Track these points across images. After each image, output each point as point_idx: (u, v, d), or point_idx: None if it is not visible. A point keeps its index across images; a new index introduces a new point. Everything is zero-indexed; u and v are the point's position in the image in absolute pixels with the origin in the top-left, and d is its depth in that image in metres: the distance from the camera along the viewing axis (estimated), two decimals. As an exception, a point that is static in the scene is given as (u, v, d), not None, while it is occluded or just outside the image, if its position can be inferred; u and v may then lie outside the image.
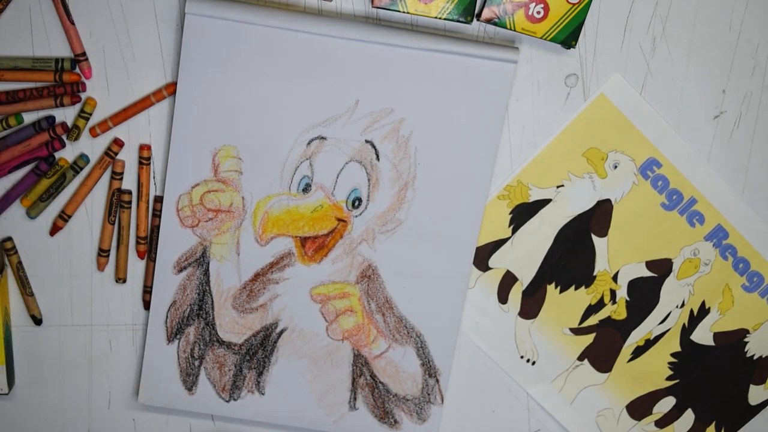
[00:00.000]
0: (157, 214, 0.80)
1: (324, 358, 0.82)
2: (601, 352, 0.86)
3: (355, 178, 0.79)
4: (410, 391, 0.83)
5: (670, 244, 0.84)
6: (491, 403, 0.86)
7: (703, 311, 0.86)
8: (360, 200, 0.79)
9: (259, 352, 0.82)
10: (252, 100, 0.76)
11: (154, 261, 0.80)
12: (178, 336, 0.81)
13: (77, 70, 0.77)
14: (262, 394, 0.83)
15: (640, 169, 0.82)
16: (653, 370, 0.87)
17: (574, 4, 0.75)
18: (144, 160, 0.78)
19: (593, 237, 0.83)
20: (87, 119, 0.77)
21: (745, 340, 0.87)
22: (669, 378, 0.87)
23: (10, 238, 0.80)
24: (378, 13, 0.77)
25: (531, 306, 0.84)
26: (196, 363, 0.82)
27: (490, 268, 0.83)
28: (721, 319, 0.86)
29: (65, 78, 0.76)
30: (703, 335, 0.86)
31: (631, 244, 0.83)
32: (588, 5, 0.75)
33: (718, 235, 0.84)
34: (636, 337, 0.86)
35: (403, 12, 0.75)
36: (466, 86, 0.77)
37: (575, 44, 0.77)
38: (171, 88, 0.77)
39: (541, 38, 0.76)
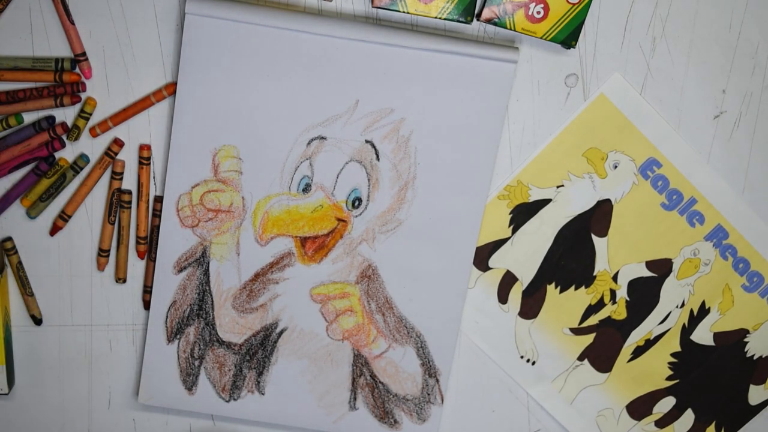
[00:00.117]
0: (157, 214, 0.80)
1: (324, 358, 0.82)
2: (601, 352, 0.86)
3: (355, 178, 0.79)
4: (410, 391, 0.83)
5: (670, 244, 0.84)
6: (491, 403, 0.86)
7: (703, 311, 0.86)
8: (360, 200, 0.79)
9: (259, 352, 0.82)
10: (252, 100, 0.76)
11: (154, 261, 0.80)
12: (178, 336, 0.81)
13: (77, 70, 0.77)
14: (262, 394, 0.83)
15: (640, 169, 0.82)
16: (653, 370, 0.87)
17: (574, 4, 0.75)
18: (144, 160, 0.78)
19: (593, 237, 0.83)
20: (87, 119, 0.77)
21: (745, 340, 0.87)
22: (669, 378, 0.87)
23: (10, 238, 0.80)
24: (378, 13, 0.77)
25: (531, 306, 0.84)
26: (196, 363, 0.82)
27: (490, 268, 0.83)
28: (721, 319, 0.86)
29: (65, 78, 0.76)
30: (703, 335, 0.86)
31: (631, 244, 0.83)
32: (588, 5, 0.75)
33: (718, 235, 0.84)
34: (636, 337, 0.86)
35: (403, 12, 0.75)
36: (466, 86, 0.77)
37: (575, 44, 0.76)
38: (171, 88, 0.77)
39: (541, 38, 0.76)
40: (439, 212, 0.79)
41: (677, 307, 0.85)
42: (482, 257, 0.83)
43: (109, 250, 0.80)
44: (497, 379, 0.86)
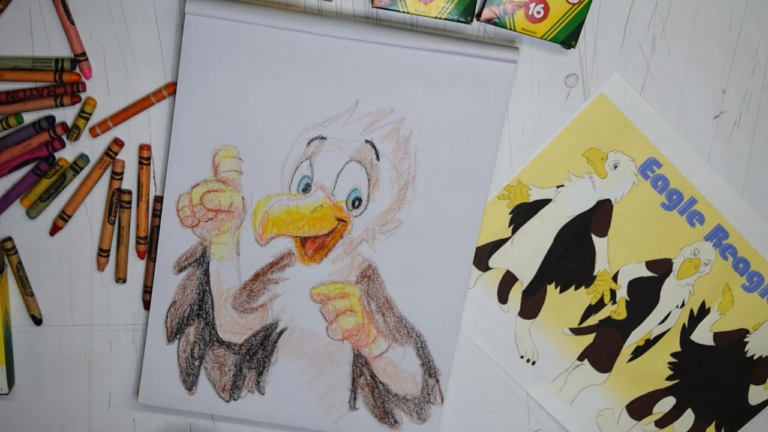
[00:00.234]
0: (157, 214, 0.80)
1: (324, 358, 0.82)
2: (601, 352, 0.86)
3: (355, 178, 0.79)
4: (410, 391, 0.83)
5: (670, 244, 0.84)
6: (491, 403, 0.86)
7: (703, 311, 0.86)
8: (360, 200, 0.79)
9: (259, 352, 0.82)
10: (252, 100, 0.76)
11: (154, 261, 0.80)
12: (178, 336, 0.81)
13: (77, 70, 0.77)
14: (262, 394, 0.83)
15: (640, 169, 0.82)
16: (653, 370, 0.87)
17: (574, 4, 0.75)
18: (144, 160, 0.78)
19: (593, 237, 0.83)
20: (87, 119, 0.77)
21: (745, 340, 0.87)
22: (669, 378, 0.87)
23: (10, 238, 0.80)
24: (378, 13, 0.77)
25: (531, 306, 0.84)
26: (196, 363, 0.82)
27: (490, 268, 0.83)
28: (721, 319, 0.86)
29: (65, 78, 0.76)
30: (703, 335, 0.86)
31: (631, 244, 0.83)
32: (588, 5, 0.75)
33: (718, 235, 0.84)
34: (636, 337, 0.86)
35: (403, 12, 0.75)
36: (466, 86, 0.77)
37: (575, 44, 0.76)
38: (171, 88, 0.77)
39: (541, 38, 0.76)
40: (439, 212, 0.79)
41: (677, 307, 0.85)
42: (482, 257, 0.83)
43: (109, 250, 0.80)
44: (497, 379, 0.86)
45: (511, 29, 0.76)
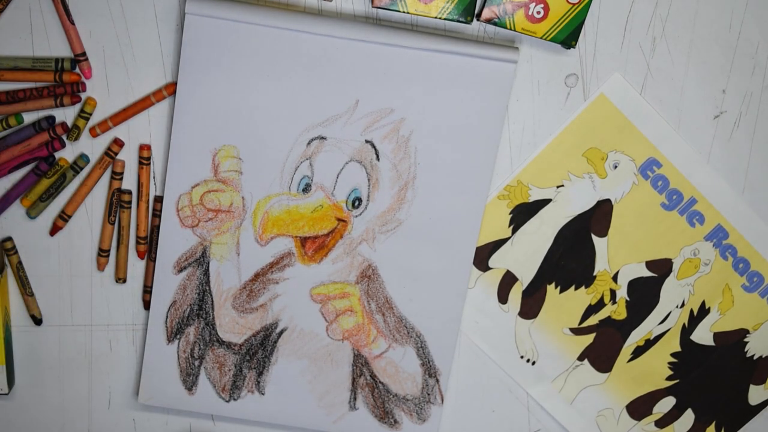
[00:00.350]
0: (157, 214, 0.80)
1: (324, 358, 0.82)
2: (601, 352, 0.86)
3: (355, 178, 0.79)
4: (410, 391, 0.83)
5: (670, 244, 0.84)
6: (491, 403, 0.86)
7: (703, 311, 0.86)
8: (360, 200, 0.79)
9: (259, 352, 0.82)
10: (252, 100, 0.76)
11: (154, 261, 0.80)
12: (178, 336, 0.81)
13: (77, 70, 0.77)
14: (262, 394, 0.83)
15: (640, 169, 0.82)
16: (653, 370, 0.87)
17: (574, 4, 0.75)
18: (144, 160, 0.78)
19: (593, 237, 0.83)
20: (87, 119, 0.77)
21: (745, 340, 0.87)
22: (669, 378, 0.87)
23: (10, 238, 0.80)
24: (378, 13, 0.77)
25: (531, 306, 0.84)
26: (196, 363, 0.82)
27: (490, 268, 0.83)
28: (721, 319, 0.86)
29: (65, 78, 0.76)
30: (703, 335, 0.86)
31: (631, 244, 0.83)
32: (588, 5, 0.75)
33: (718, 235, 0.84)
34: (636, 337, 0.86)
35: (403, 12, 0.75)
36: (466, 86, 0.77)
37: (575, 44, 0.76)
38: (171, 88, 0.77)
39: (541, 38, 0.76)
40: (439, 212, 0.79)
41: (677, 307, 0.85)
42: (482, 257, 0.83)
43: (109, 250, 0.80)
44: (497, 379, 0.86)
45: (511, 29, 0.76)
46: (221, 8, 0.74)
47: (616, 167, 0.81)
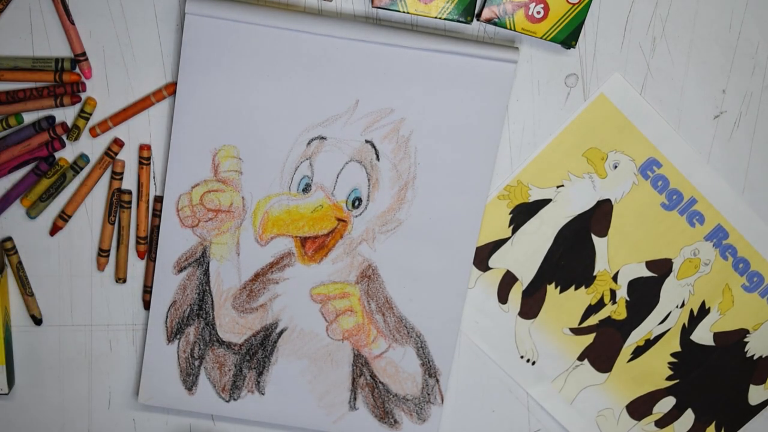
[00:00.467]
0: (157, 214, 0.80)
1: (324, 358, 0.82)
2: (601, 352, 0.86)
3: (355, 178, 0.79)
4: (410, 391, 0.83)
5: (670, 244, 0.84)
6: (491, 403, 0.86)
7: (703, 311, 0.86)
8: (360, 200, 0.79)
9: (259, 352, 0.82)
10: (252, 100, 0.76)
11: (154, 261, 0.80)
12: (178, 336, 0.81)
13: (77, 70, 0.77)
14: (262, 394, 0.83)
15: (640, 169, 0.82)
16: (653, 370, 0.87)
17: (574, 4, 0.75)
18: (144, 160, 0.78)
19: (593, 237, 0.83)
20: (87, 119, 0.77)
21: (745, 340, 0.87)
22: (669, 378, 0.87)
23: (10, 238, 0.80)
24: (378, 13, 0.77)
25: (531, 306, 0.84)
26: (196, 363, 0.82)
27: (490, 268, 0.83)
28: (721, 319, 0.86)
29: (65, 78, 0.76)
30: (703, 335, 0.86)
31: (631, 244, 0.83)
32: (588, 5, 0.75)
33: (718, 235, 0.84)
34: (636, 337, 0.86)
35: (403, 12, 0.75)
36: (466, 86, 0.77)
37: (575, 44, 0.76)
38: (171, 88, 0.77)
39: (541, 38, 0.76)
40: (439, 212, 0.79)
41: (677, 307, 0.85)
42: (482, 257, 0.83)
43: (109, 250, 0.80)
44: (497, 379, 0.86)
45: (511, 29, 0.76)
46: (221, 8, 0.74)
47: (616, 167, 0.81)
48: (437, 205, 0.79)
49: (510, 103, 0.80)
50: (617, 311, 0.85)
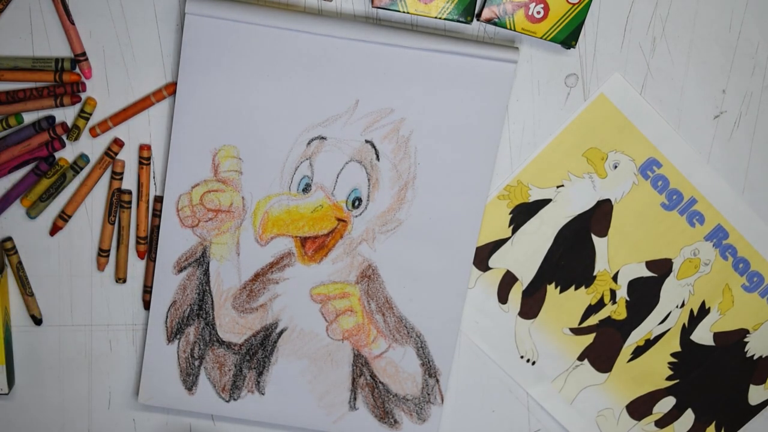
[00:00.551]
0: (157, 214, 0.80)
1: (324, 358, 0.82)
2: (601, 352, 0.86)
3: (355, 178, 0.79)
4: (410, 391, 0.83)
5: (670, 244, 0.84)
6: (491, 403, 0.86)
7: (703, 311, 0.86)
8: (360, 200, 0.79)
9: (259, 352, 0.82)
10: (252, 100, 0.76)
11: (154, 261, 0.80)
12: (178, 336, 0.81)
13: (77, 70, 0.77)
14: (262, 394, 0.83)
15: (640, 169, 0.82)
16: (653, 370, 0.87)
17: (574, 4, 0.75)
18: (144, 160, 0.78)
19: (593, 237, 0.83)
20: (87, 119, 0.77)
21: (745, 340, 0.87)
22: (669, 378, 0.87)
23: (10, 238, 0.80)
24: (378, 13, 0.77)
25: (531, 306, 0.84)
26: (196, 363, 0.82)
27: (490, 268, 0.83)
28: (721, 319, 0.86)
29: (65, 78, 0.76)
30: (703, 335, 0.86)
31: (631, 244, 0.83)
32: (588, 5, 0.75)
33: (718, 235, 0.84)
34: (636, 337, 0.86)
35: (403, 12, 0.75)
36: (466, 86, 0.77)
37: (575, 44, 0.76)
38: (171, 88, 0.77)
39: (541, 38, 0.76)
40: (439, 212, 0.79)
41: (677, 307, 0.85)
42: (482, 257, 0.83)
43: (109, 250, 0.80)
44: (497, 379, 0.86)
45: (511, 29, 0.76)
46: (221, 8, 0.74)
47: (616, 167, 0.81)
48: (437, 205, 0.79)
49: (510, 103, 0.80)
50: (617, 311, 0.85)
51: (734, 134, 0.82)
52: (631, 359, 0.86)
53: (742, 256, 0.85)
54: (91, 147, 0.79)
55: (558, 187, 0.82)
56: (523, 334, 0.85)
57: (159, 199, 0.79)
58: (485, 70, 0.76)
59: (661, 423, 0.88)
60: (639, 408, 0.88)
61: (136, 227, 0.80)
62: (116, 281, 0.81)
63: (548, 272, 0.84)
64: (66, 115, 0.78)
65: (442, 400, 0.84)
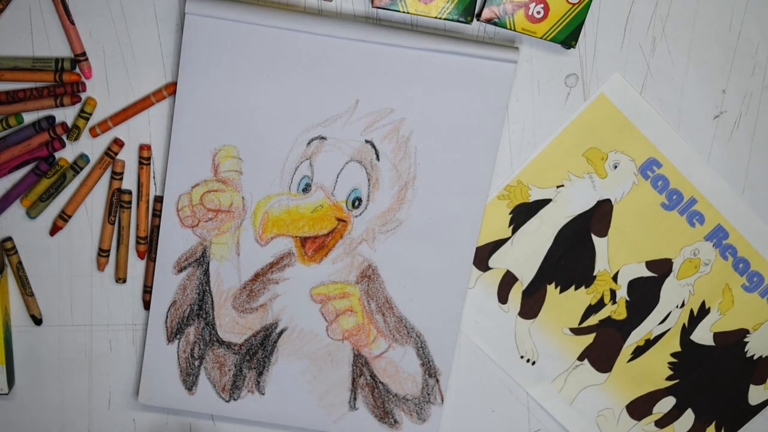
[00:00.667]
0: (157, 214, 0.80)
1: (324, 358, 0.82)
2: (601, 352, 0.86)
3: (355, 178, 0.79)
4: (410, 391, 0.83)
5: (670, 244, 0.84)
6: (491, 403, 0.86)
7: (703, 311, 0.86)
8: (360, 200, 0.79)
9: (259, 352, 0.82)
10: (252, 100, 0.76)
11: (154, 261, 0.80)
12: (178, 336, 0.81)
13: (77, 70, 0.77)
14: (262, 394, 0.83)
15: (640, 169, 0.82)
16: (653, 370, 0.87)
17: (574, 4, 0.75)
18: (144, 160, 0.78)
19: (593, 237, 0.83)
20: (87, 119, 0.77)
21: (745, 340, 0.87)
22: (669, 378, 0.87)
23: (10, 238, 0.80)
24: (378, 13, 0.77)
25: (531, 306, 0.84)
26: (196, 363, 0.82)
27: (490, 268, 0.83)
28: (721, 319, 0.86)
29: (65, 78, 0.76)
30: (703, 335, 0.86)
31: (631, 244, 0.83)
32: (588, 5, 0.75)
33: (718, 235, 0.84)
34: (636, 337, 0.86)
35: (403, 12, 0.75)
36: (466, 86, 0.77)
37: (575, 44, 0.76)
38: (171, 88, 0.77)
39: (541, 38, 0.76)
40: (439, 212, 0.79)
41: (677, 307, 0.85)
42: (482, 257, 0.83)
43: (109, 250, 0.80)
44: (497, 379, 0.86)
45: (511, 29, 0.76)
46: (221, 8, 0.74)
47: (616, 167, 0.81)
48: (437, 205, 0.79)
49: (510, 103, 0.80)
50: (617, 311, 0.85)
51: (734, 134, 0.82)
52: (631, 359, 0.86)
53: (742, 256, 0.85)
54: (91, 147, 0.79)
55: (558, 187, 0.82)
56: (523, 334, 0.85)
57: (159, 199, 0.79)
58: (485, 70, 0.76)
59: (661, 423, 0.88)
60: (639, 408, 0.88)
61: (136, 227, 0.80)
62: (116, 281, 0.81)
63: (548, 272, 0.84)
64: (66, 115, 0.78)
65: (442, 400, 0.84)
